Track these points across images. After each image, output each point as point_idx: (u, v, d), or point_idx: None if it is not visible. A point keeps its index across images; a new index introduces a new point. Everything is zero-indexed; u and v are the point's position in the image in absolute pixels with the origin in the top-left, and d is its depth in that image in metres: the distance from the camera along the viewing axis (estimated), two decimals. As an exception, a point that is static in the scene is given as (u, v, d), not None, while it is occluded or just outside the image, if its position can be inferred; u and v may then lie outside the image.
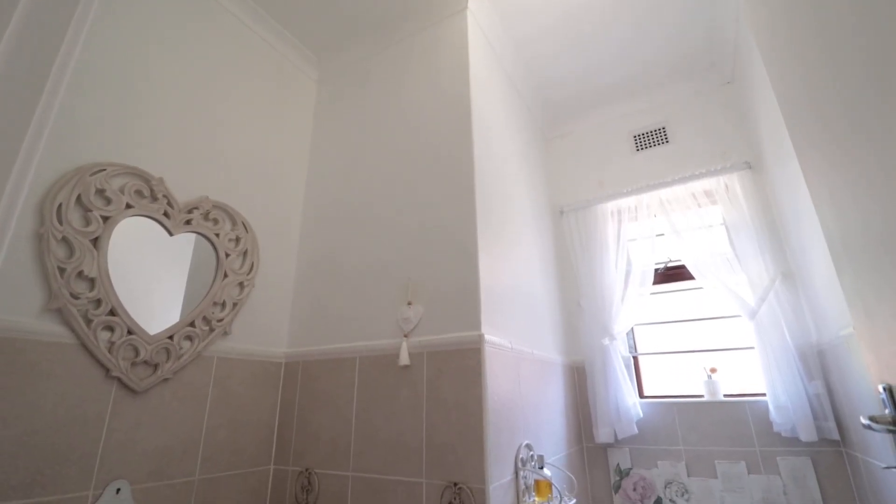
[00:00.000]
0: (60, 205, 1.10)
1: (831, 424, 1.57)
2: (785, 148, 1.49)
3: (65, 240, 1.09)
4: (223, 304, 1.44)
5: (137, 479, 1.15)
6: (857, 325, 0.79)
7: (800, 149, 0.98)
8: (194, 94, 1.50)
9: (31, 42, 0.81)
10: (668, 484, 1.82)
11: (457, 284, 1.37)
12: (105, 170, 1.20)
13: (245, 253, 1.55)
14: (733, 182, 1.96)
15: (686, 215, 2.00)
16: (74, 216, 1.12)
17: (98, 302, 1.13)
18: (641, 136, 2.30)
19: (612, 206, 2.19)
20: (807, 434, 1.57)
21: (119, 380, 1.15)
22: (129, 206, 1.24)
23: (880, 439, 1.20)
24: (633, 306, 2.01)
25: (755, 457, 1.73)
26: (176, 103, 1.44)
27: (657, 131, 2.26)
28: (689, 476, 1.80)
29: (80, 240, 1.12)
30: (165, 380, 1.26)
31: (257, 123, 1.73)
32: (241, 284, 1.52)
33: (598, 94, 2.32)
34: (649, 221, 2.09)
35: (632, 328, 2.14)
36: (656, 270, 2.06)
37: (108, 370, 1.13)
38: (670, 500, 1.80)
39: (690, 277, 2.01)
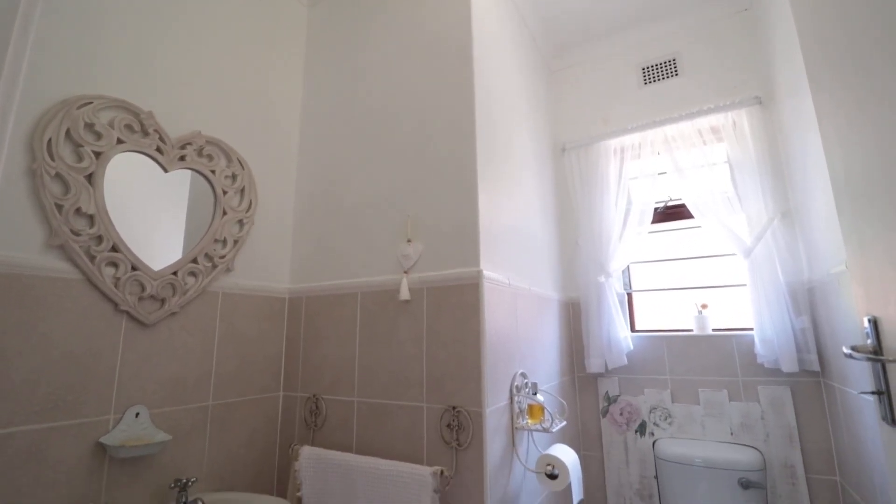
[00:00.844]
0: (50, 140, 1.07)
1: (813, 357, 1.65)
2: (799, 83, 1.43)
3: (59, 176, 1.08)
4: (224, 242, 1.46)
5: (154, 404, 1.23)
6: (851, 260, 0.80)
7: (815, 84, 0.94)
8: (178, 23, 1.42)
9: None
10: (652, 409, 1.94)
11: (456, 221, 1.37)
12: (92, 103, 1.16)
13: (242, 190, 1.54)
14: (741, 118, 1.90)
15: (690, 153, 1.96)
16: (66, 152, 1.11)
17: (99, 238, 1.14)
18: (650, 69, 2.19)
19: (615, 143, 2.14)
20: (788, 365, 1.65)
21: (128, 314, 1.19)
22: (120, 142, 1.21)
23: (858, 369, 1.26)
24: (630, 245, 2.03)
25: (737, 386, 1.83)
26: (159, 33, 1.36)
27: (667, 63, 2.16)
28: (673, 402, 1.91)
29: (74, 176, 1.10)
30: (173, 314, 1.29)
31: (247, 53, 1.64)
32: (240, 222, 1.52)
33: (608, 21, 2.18)
34: (652, 159, 2.05)
35: (628, 266, 2.18)
36: (656, 209, 2.05)
37: (116, 304, 1.17)
38: (654, 423, 1.92)
39: (689, 216, 2.02)
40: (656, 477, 1.84)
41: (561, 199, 2.26)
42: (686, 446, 1.79)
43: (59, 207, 1.07)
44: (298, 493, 1.35)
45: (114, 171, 1.19)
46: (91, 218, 1.13)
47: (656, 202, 2.05)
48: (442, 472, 1.20)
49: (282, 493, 1.48)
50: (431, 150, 1.47)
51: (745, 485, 1.63)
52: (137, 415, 1.18)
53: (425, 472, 1.19)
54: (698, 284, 2.06)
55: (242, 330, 1.50)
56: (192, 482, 1.21)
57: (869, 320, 0.71)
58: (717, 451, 1.72)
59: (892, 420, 0.69)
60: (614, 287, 2.03)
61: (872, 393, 0.73)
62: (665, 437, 1.88)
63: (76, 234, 1.09)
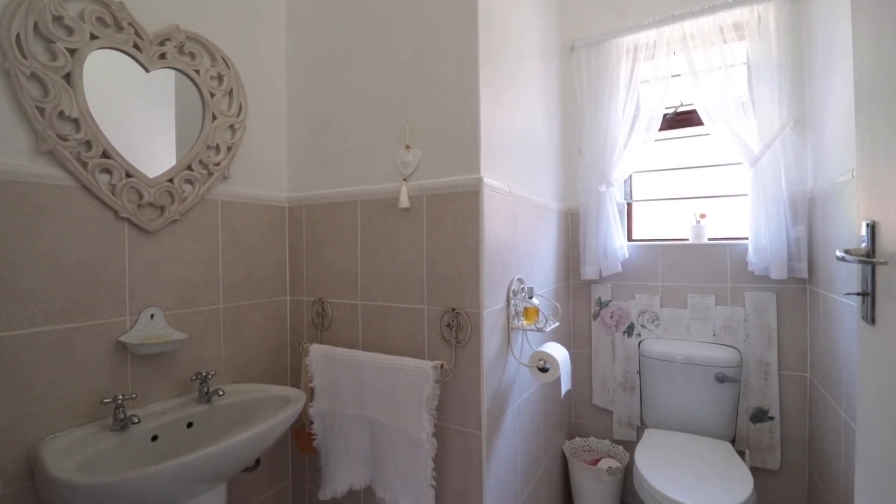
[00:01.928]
0: (18, 35, 0.99)
1: (803, 265, 1.70)
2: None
3: (35, 76, 1.02)
4: (217, 148, 1.42)
5: (167, 307, 1.28)
6: (860, 164, 0.79)
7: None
8: None
9: None
10: (641, 313, 2.04)
11: (456, 126, 1.32)
12: (54, -11, 1.05)
13: (230, 93, 1.46)
14: (768, 13, 1.74)
15: (708, 53, 1.83)
16: (38, 49, 1.03)
17: (88, 144, 1.11)
18: (674, -49, 1.96)
19: (628, 40, 1.99)
20: (778, 272, 1.70)
21: (129, 221, 1.20)
22: (94, 37, 1.12)
23: (845, 275, 1.31)
24: (634, 153, 1.98)
25: (725, 292, 1.90)
26: None
27: (693, -56, 1.92)
28: (661, 307, 2.01)
29: (50, 76, 1.04)
30: (174, 221, 1.30)
31: (220, -71, 1.45)
32: (231, 127, 1.46)
33: None
34: (666, 61, 1.92)
35: (630, 176, 2.14)
36: (665, 115, 1.97)
37: (116, 212, 1.17)
38: (642, 325, 2.04)
39: (697, 124, 1.94)
40: (639, 372, 2.00)
41: (566, 105, 2.16)
42: (669, 345, 1.91)
43: (41, 111, 1.03)
44: (311, 384, 1.47)
45: (94, 73, 1.12)
46: (76, 122, 1.09)
47: (666, 108, 1.96)
48: (442, 366, 1.30)
49: (295, 385, 1.62)
50: (429, 47, 1.37)
51: (721, 379, 1.77)
52: (152, 316, 1.24)
53: (427, 365, 1.28)
54: (699, 194, 2.05)
55: (245, 237, 1.52)
56: (212, 375, 1.32)
57: (867, 224, 0.71)
58: (697, 350, 1.84)
59: (872, 319, 0.73)
60: (615, 197, 2.02)
61: (858, 294, 0.76)
62: (651, 338, 2.00)
63: (63, 138, 1.06)
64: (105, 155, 1.14)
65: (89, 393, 1.11)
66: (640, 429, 2.05)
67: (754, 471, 1.72)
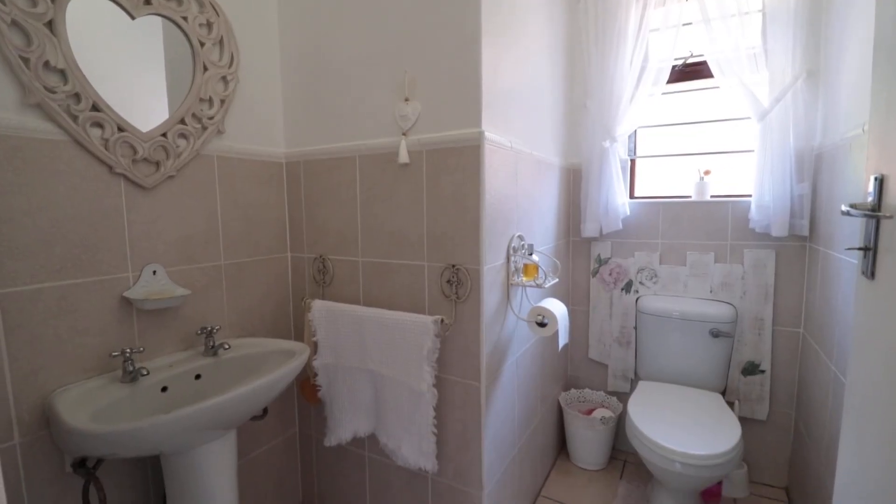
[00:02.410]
0: (-6, -22, 0.94)
1: (805, 222, 1.69)
2: None
3: (16, 24, 0.97)
4: (210, 101, 1.37)
5: (169, 263, 1.29)
6: (873, 117, 0.76)
7: None
8: None
9: None
10: (640, 270, 2.06)
11: (457, 78, 1.27)
12: (26, -75, 0.98)
13: (221, 42, 1.40)
14: (788, -47, 1.64)
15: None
16: (15, -7, 0.98)
17: (77, 97, 1.07)
18: None
19: (638, -15, 1.88)
20: (779, 230, 1.69)
21: (125, 176, 1.18)
22: (73, -21, 1.06)
23: (847, 232, 1.30)
24: (641, 107, 1.92)
25: (725, 249, 1.91)
26: None
27: None
28: (660, 264, 2.02)
29: (32, 24, 0.99)
30: (171, 177, 1.28)
31: None
32: (224, 79, 1.41)
33: None
34: (678, 6, 1.83)
35: (634, 131, 2.10)
36: (673, 67, 1.90)
37: (110, 167, 1.15)
38: (640, 282, 2.06)
39: (707, 76, 1.88)
40: (636, 328, 2.04)
41: (571, 57, 2.07)
42: (666, 301, 1.94)
43: (26, 61, 0.99)
44: (314, 339, 1.50)
45: (78, 23, 1.07)
46: (63, 73, 1.05)
47: (675, 59, 1.89)
48: (442, 320, 1.32)
49: (299, 340, 1.65)
50: (429, -8, 1.30)
51: (716, 334, 1.81)
52: (154, 272, 1.25)
53: (427, 319, 1.31)
54: (704, 150, 2.01)
55: (243, 194, 1.50)
56: (217, 329, 1.34)
57: (876, 178, 0.70)
58: (694, 306, 1.87)
59: (872, 273, 0.73)
60: (618, 153, 1.99)
61: (860, 249, 0.76)
62: (649, 295, 2.03)
63: (51, 91, 1.02)
64: (95, 108, 1.10)
65: (97, 347, 1.14)
66: (634, 381, 2.11)
67: (742, 420, 1.79)
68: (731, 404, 1.83)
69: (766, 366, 1.86)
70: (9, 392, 0.99)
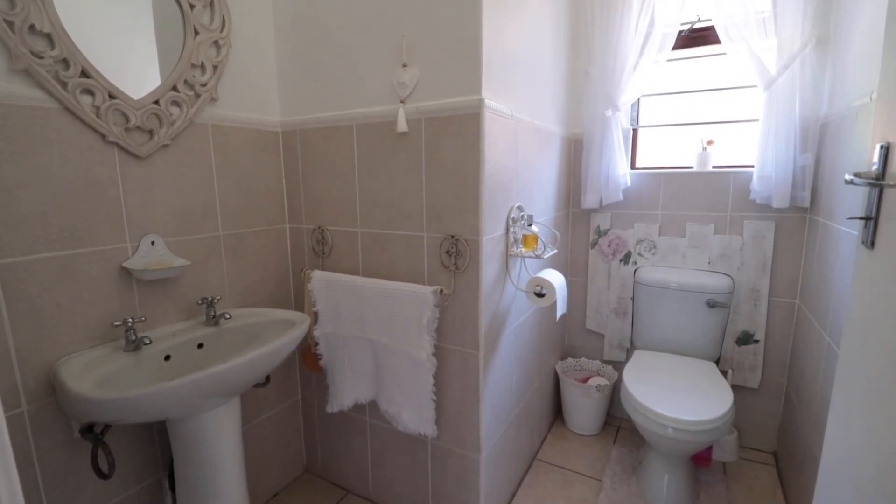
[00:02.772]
0: (-32, -69, 0.89)
1: (806, 193, 1.68)
2: None
3: (-3, -16, 0.94)
4: (202, 67, 1.34)
5: (167, 234, 1.28)
6: (883, 85, 0.75)
7: None
8: None
9: None
10: (639, 241, 2.06)
11: (457, 43, 1.23)
12: None
13: (212, 4, 1.35)
14: None
15: (732, -42, 1.67)
16: (-7, -50, 0.93)
17: (65, 62, 1.04)
18: None
19: (646, -57, 1.81)
20: (780, 201, 1.68)
21: (118, 145, 1.16)
22: (53, -66, 1.01)
23: (848, 204, 1.30)
24: (645, 75, 1.88)
25: (724, 221, 1.90)
26: None
27: None
28: (660, 235, 2.02)
29: (13, -18, 0.95)
30: (165, 146, 1.26)
31: None
32: (216, 44, 1.37)
33: None
34: (686, -33, 1.76)
35: (637, 100, 2.05)
36: (680, 33, 1.84)
37: (103, 136, 1.12)
38: (639, 254, 2.06)
39: (713, 42, 1.83)
40: (633, 298, 2.05)
41: (574, 22, 2.00)
42: (664, 273, 1.95)
43: (10, 24, 0.95)
44: (314, 309, 1.51)
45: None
46: (49, 38, 1.01)
47: (682, 24, 1.83)
48: (441, 291, 1.33)
49: (299, 310, 1.67)
50: (428, -50, 1.24)
51: (712, 304, 1.83)
52: (153, 243, 1.24)
53: (426, 290, 1.31)
54: (707, 120, 1.98)
55: (239, 163, 1.48)
56: (218, 300, 1.35)
57: (882, 146, 0.69)
58: (691, 277, 1.88)
59: (872, 243, 0.73)
60: (620, 122, 1.95)
61: (861, 218, 0.75)
62: (647, 266, 2.04)
63: (38, 56, 0.99)
64: (85, 74, 1.07)
65: (99, 317, 1.15)
66: (630, 350, 2.15)
67: (735, 388, 1.84)
68: (724, 373, 1.86)
69: (760, 336, 1.89)
70: (13, 360, 1.00)
